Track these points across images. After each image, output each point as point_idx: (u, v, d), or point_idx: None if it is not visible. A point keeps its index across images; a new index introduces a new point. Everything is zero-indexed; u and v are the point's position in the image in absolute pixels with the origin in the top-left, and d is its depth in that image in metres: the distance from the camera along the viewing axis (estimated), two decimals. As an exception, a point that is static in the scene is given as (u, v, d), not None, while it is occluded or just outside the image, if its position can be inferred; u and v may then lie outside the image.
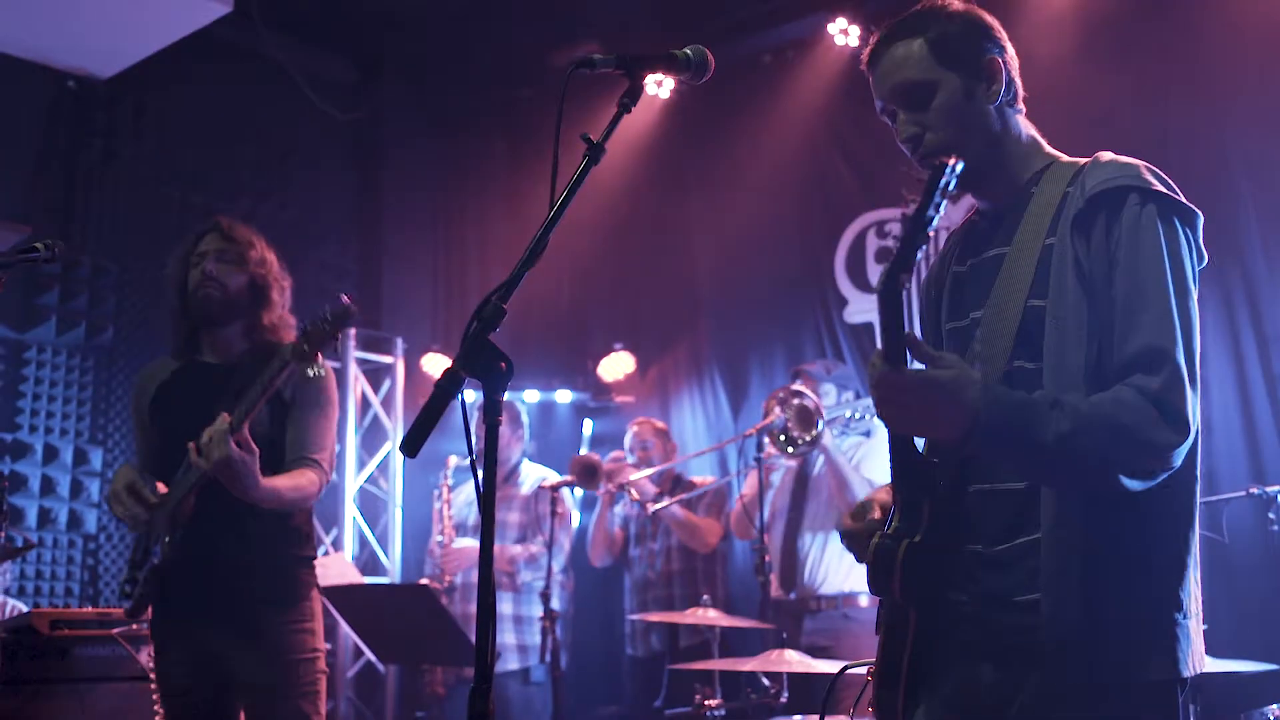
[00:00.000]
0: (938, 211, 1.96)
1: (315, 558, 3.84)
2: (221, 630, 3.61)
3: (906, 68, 2.34)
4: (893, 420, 2.12)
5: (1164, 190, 2.21)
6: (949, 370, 2.05)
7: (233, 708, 3.65)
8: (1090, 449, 2.05)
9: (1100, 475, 2.08)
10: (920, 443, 2.25)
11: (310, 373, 3.38)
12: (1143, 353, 2.10)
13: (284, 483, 3.61)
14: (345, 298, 3.37)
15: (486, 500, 1.99)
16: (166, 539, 3.57)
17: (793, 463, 5.83)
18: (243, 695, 3.63)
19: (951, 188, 1.98)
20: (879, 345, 2.08)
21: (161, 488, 3.67)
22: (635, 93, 2.30)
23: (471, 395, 2.03)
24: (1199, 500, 2.24)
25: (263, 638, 3.60)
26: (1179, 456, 2.09)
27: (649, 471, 6.49)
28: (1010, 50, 2.42)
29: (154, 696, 3.75)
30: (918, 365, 2.09)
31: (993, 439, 2.06)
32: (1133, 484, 2.08)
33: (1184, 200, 2.23)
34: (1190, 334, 2.14)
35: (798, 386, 5.61)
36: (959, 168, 1.99)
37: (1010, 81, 2.39)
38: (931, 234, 1.96)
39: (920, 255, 1.99)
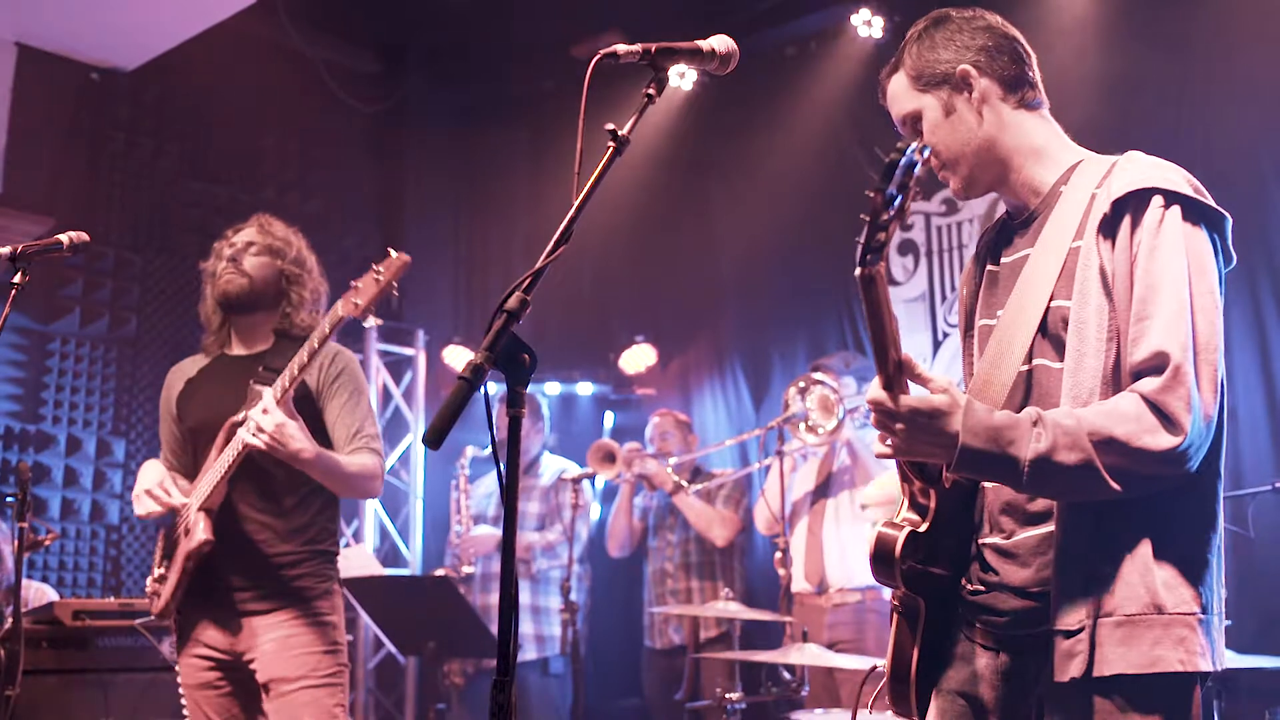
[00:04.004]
0: (901, 193, 1.96)
1: (337, 552, 3.84)
2: (242, 623, 3.62)
3: (897, 101, 2.49)
4: (888, 443, 2.15)
5: (1190, 193, 2.20)
6: (937, 397, 2.08)
7: (255, 701, 3.65)
8: (1072, 464, 2.05)
9: (1093, 487, 2.08)
10: None
11: (366, 324, 3.41)
12: (1150, 356, 2.10)
13: (345, 458, 3.63)
14: (392, 251, 3.39)
15: (509, 492, 1.98)
16: (202, 525, 3.55)
17: (816, 454, 5.82)
18: (264, 688, 3.62)
19: (917, 170, 1.98)
20: (872, 357, 2.11)
21: (186, 485, 3.70)
22: (660, 85, 2.29)
23: (493, 387, 2.02)
24: (1222, 498, 2.23)
25: (282, 630, 3.60)
26: (1189, 459, 2.09)
27: (674, 461, 6.49)
28: (1000, 48, 2.42)
29: (178, 688, 3.73)
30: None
31: (973, 464, 2.09)
32: (1140, 490, 2.09)
33: (1211, 203, 2.22)
34: (1207, 337, 2.12)
35: (816, 375, 5.62)
36: (925, 152, 2.00)
37: (1012, 80, 2.40)
38: (892, 214, 1.95)
39: (887, 237, 1.97)
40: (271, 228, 3.87)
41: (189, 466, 3.80)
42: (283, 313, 3.81)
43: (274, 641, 3.59)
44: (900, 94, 2.46)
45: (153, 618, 3.80)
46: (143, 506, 3.65)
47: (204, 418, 3.75)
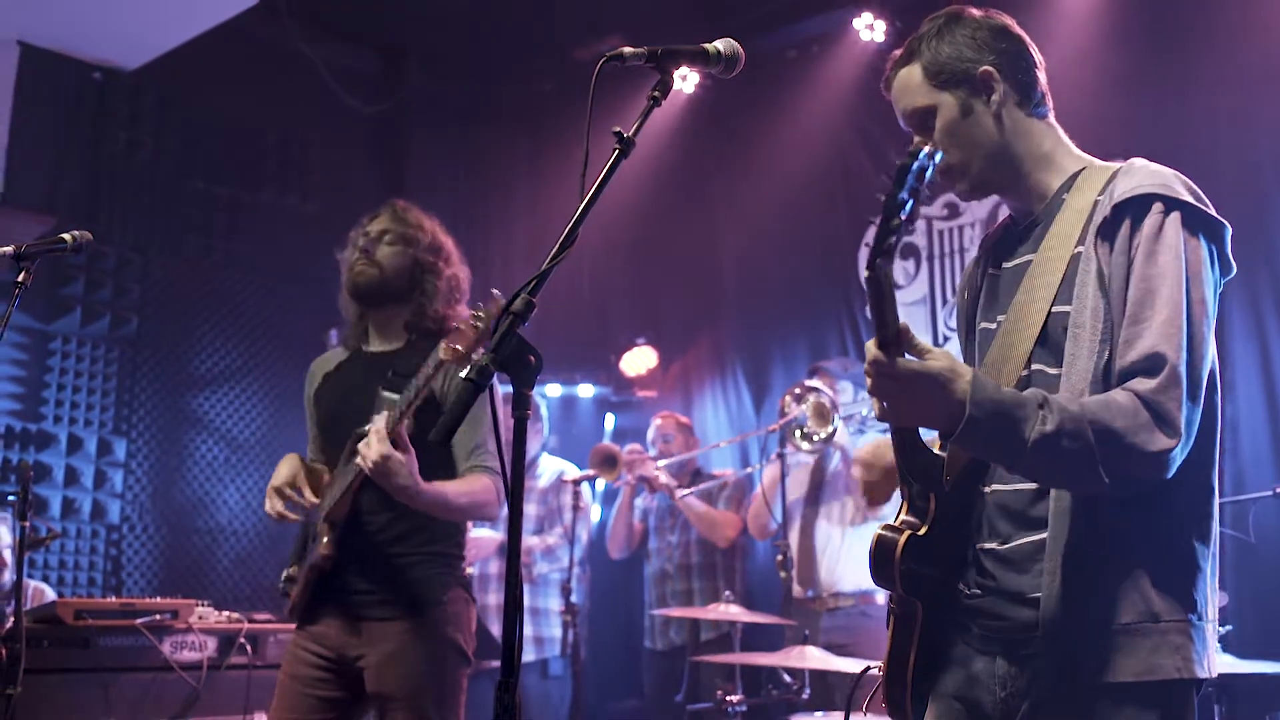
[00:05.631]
0: (913, 197, 1.94)
1: (461, 556, 3.65)
2: (359, 626, 3.49)
3: (908, 95, 2.41)
4: (883, 407, 2.11)
5: (1190, 200, 2.19)
6: (938, 362, 2.04)
7: (346, 713, 3.53)
8: (1073, 450, 2.03)
9: (1085, 477, 2.06)
10: (925, 436, 2.26)
11: (461, 374, 3.27)
12: (1144, 358, 2.09)
13: (454, 488, 3.46)
14: (496, 292, 3.20)
15: (514, 492, 1.98)
16: (325, 539, 3.45)
17: (809, 458, 5.82)
18: (371, 700, 3.50)
19: (929, 174, 1.96)
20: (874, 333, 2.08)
21: (327, 477, 3.62)
22: (665, 87, 2.30)
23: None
24: (1216, 503, 2.23)
25: (391, 643, 3.45)
26: (1171, 465, 2.08)
27: (665, 461, 6.51)
28: (1018, 53, 2.41)
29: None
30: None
31: (978, 434, 2.05)
32: (1121, 488, 2.07)
33: (1211, 212, 2.22)
34: (1197, 343, 2.12)
35: (812, 382, 5.63)
36: (937, 156, 1.97)
37: (1025, 85, 2.39)
38: (904, 218, 1.92)
39: (897, 240, 1.94)
40: (406, 214, 3.76)
41: (328, 462, 3.69)
42: (416, 304, 3.65)
43: (381, 654, 3.45)
44: (913, 88, 2.39)
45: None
46: (271, 505, 3.53)
47: (332, 414, 3.66)
